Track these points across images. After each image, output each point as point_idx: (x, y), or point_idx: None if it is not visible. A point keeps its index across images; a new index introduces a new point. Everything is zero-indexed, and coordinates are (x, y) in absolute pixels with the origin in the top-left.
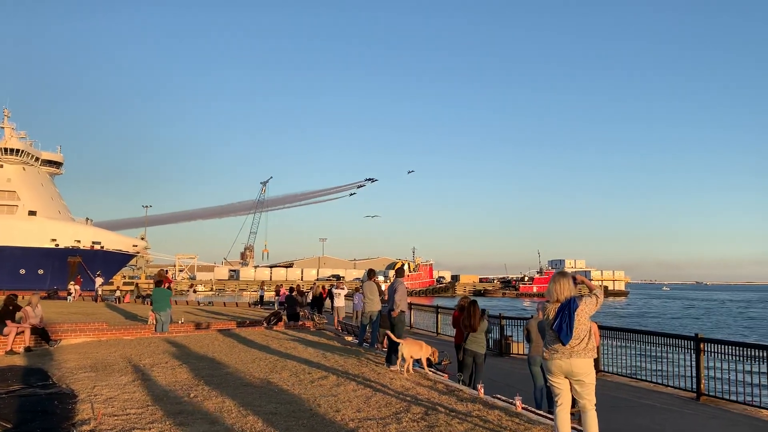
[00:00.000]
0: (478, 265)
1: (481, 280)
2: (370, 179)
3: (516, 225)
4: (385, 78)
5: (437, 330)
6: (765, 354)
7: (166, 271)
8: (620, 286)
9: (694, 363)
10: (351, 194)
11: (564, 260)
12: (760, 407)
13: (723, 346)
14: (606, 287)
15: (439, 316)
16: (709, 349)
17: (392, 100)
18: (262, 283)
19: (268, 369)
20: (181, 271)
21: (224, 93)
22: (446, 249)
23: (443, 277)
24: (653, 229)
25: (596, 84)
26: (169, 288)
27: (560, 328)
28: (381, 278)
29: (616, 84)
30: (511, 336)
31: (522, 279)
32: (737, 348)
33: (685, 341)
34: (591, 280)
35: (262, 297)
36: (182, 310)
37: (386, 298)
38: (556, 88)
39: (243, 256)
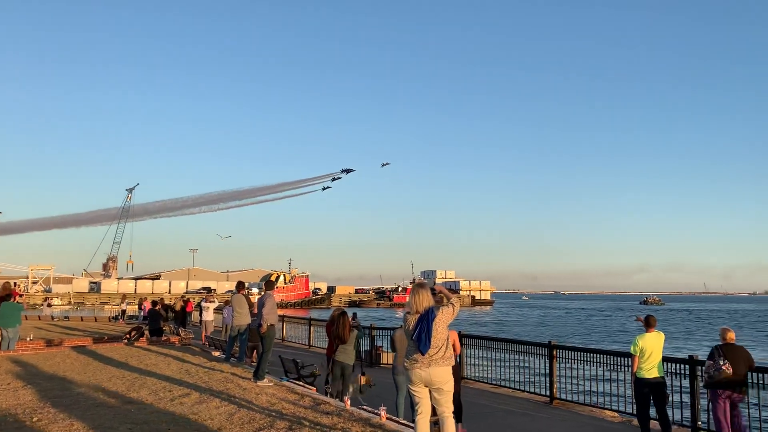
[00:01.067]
0: (356, 276)
1: (357, 291)
2: (346, 170)
3: (392, 236)
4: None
5: (309, 342)
6: (609, 359)
7: (14, 284)
8: (486, 296)
9: (547, 369)
10: (324, 188)
11: (435, 271)
12: (604, 408)
13: (573, 353)
14: (473, 297)
15: (311, 328)
16: (560, 356)
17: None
18: (124, 296)
19: (125, 387)
20: (35, 283)
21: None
22: (323, 260)
23: (319, 289)
24: (517, 242)
25: (466, 107)
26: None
27: (419, 338)
28: (255, 290)
29: (485, 108)
30: (381, 346)
31: (396, 289)
32: (585, 354)
33: (540, 348)
34: (459, 290)
35: (124, 311)
36: (33, 325)
37: (255, 311)
38: (431, 105)
39: (105, 267)
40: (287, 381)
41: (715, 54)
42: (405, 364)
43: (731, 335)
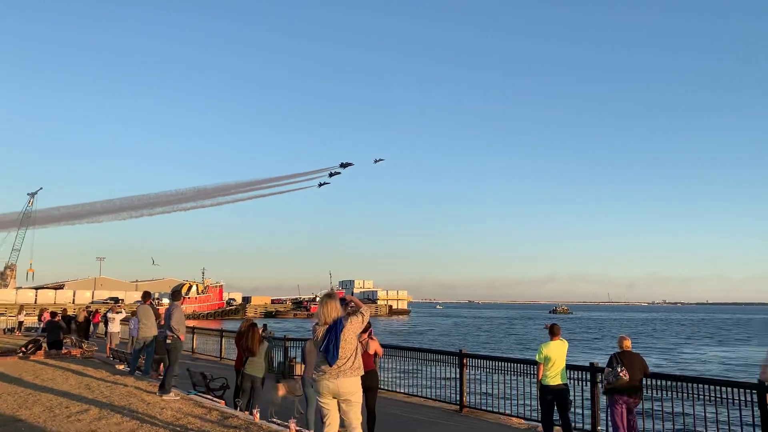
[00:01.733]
0: (273, 286)
1: (273, 302)
2: (345, 164)
3: (310, 246)
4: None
5: (221, 354)
6: (516, 367)
7: None
8: (403, 305)
9: (458, 377)
10: (321, 185)
11: (354, 280)
12: (511, 415)
13: (483, 361)
14: (390, 306)
15: (223, 340)
16: (471, 364)
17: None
18: (22, 306)
19: (16, 405)
20: None
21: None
22: (239, 270)
23: (234, 299)
24: (434, 252)
25: (373, 120)
26: None
27: (327, 349)
28: (165, 301)
29: (399, 111)
30: (295, 357)
31: (313, 299)
32: (494, 362)
33: (451, 357)
34: (377, 299)
35: (21, 323)
36: None
37: (162, 322)
38: (349, 114)
39: (2, 275)
40: (195, 394)
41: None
42: (313, 375)
43: (627, 343)
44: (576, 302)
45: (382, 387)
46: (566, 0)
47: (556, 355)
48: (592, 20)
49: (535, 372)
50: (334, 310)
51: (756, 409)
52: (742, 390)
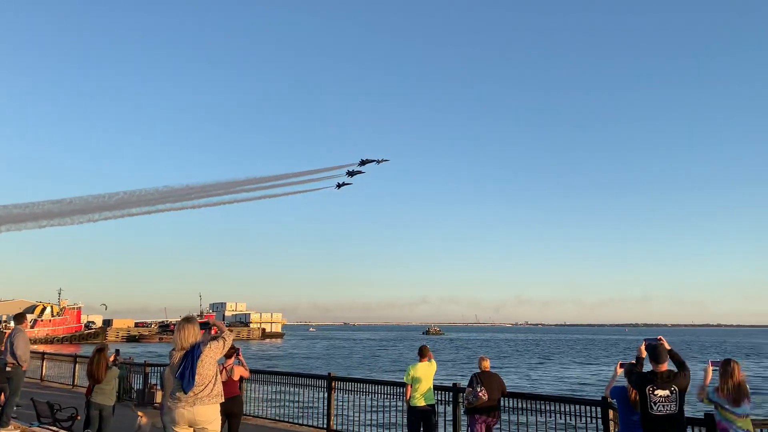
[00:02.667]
0: (138, 309)
1: (137, 325)
2: (366, 161)
3: (179, 267)
4: None
5: (74, 382)
6: (385, 389)
7: None
8: (277, 328)
9: (326, 400)
10: (339, 185)
11: (225, 303)
12: None
13: (352, 383)
14: (264, 329)
15: (76, 366)
16: (339, 387)
17: None
18: None
19: None
20: None
21: None
22: (100, 291)
23: (93, 322)
24: (310, 273)
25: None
26: None
27: (182, 375)
28: (12, 324)
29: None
30: (156, 384)
31: None
32: (363, 384)
33: (319, 380)
34: (250, 322)
35: None
36: None
37: (2, 348)
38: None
39: None
40: (38, 426)
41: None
42: (168, 403)
43: (486, 363)
44: (447, 323)
45: (247, 413)
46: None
47: (423, 376)
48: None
49: (404, 393)
50: (192, 335)
51: (600, 423)
52: (588, 407)
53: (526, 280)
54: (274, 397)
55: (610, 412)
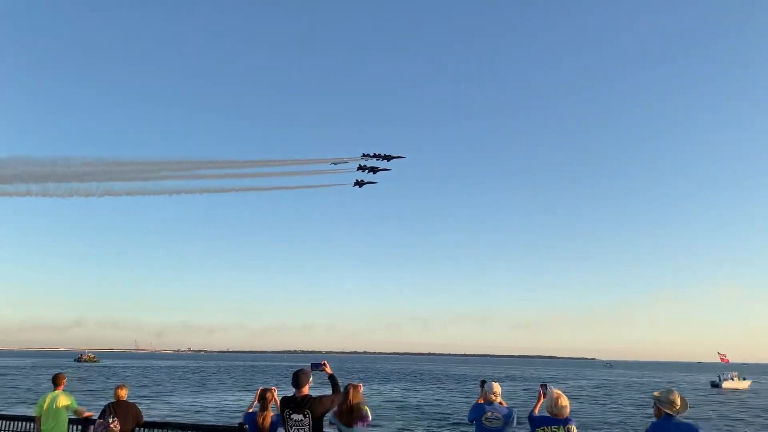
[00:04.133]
0: None
1: None
2: (380, 155)
3: None
4: None
5: None
6: (12, 425)
7: None
8: None
9: None
10: (361, 184)
11: None
12: None
13: None
14: None
15: None
16: None
17: None
18: None
19: None
20: None
21: None
22: None
23: None
24: None
25: None
26: None
27: None
28: None
29: None
30: None
31: None
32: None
33: None
34: None
35: None
36: None
37: None
38: None
39: None
40: None
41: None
42: None
43: (122, 392)
44: (103, 349)
45: None
46: None
47: (57, 407)
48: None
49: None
50: None
51: None
52: None
53: (192, 305)
54: None
55: None
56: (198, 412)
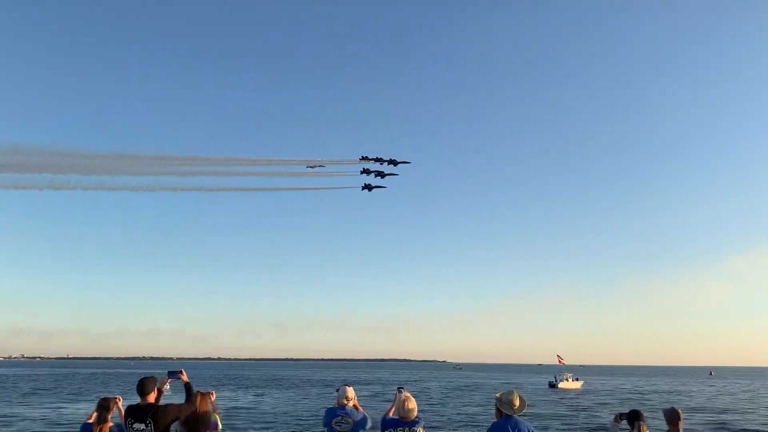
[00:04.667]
0: None
1: None
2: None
3: None
4: None
5: None
6: None
7: None
8: None
9: None
10: (370, 188)
11: None
12: None
13: None
14: None
15: None
16: None
17: None
18: None
19: None
20: None
21: None
22: None
23: None
24: None
25: None
26: None
27: None
28: None
29: None
30: None
31: None
32: None
33: None
34: None
35: None
36: None
37: None
38: None
39: None
40: None
41: None
42: None
43: None
44: None
45: None
46: None
47: None
48: None
49: None
50: None
51: None
52: None
53: (25, 308)
54: None
55: None
56: (23, 421)
